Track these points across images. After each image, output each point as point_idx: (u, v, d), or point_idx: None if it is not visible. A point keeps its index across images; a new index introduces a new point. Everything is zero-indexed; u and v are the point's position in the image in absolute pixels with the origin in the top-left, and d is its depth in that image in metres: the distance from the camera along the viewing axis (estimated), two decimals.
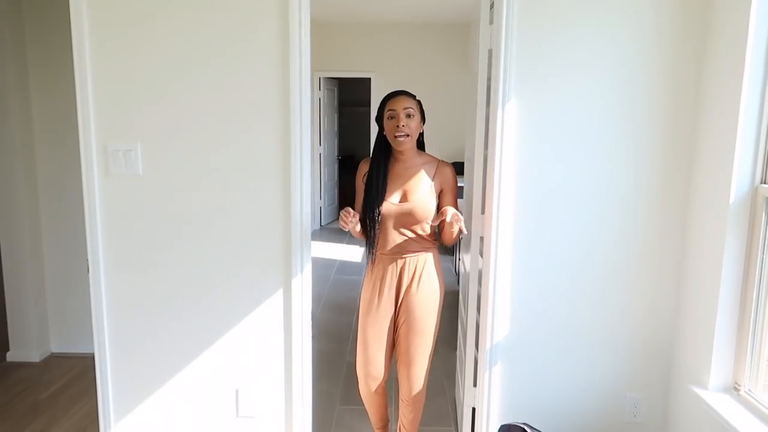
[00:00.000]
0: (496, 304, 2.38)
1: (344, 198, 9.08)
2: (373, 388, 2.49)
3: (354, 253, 6.99)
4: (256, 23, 2.21)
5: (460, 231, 2.26)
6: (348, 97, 9.78)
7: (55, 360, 3.82)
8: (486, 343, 2.40)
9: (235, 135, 2.28)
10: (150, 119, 2.27)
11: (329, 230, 8.31)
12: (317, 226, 8.37)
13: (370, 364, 2.45)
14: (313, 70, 7.84)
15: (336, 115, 8.92)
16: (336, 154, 9.01)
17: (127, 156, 2.28)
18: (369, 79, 8.00)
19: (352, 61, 7.97)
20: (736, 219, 2.05)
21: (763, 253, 2.02)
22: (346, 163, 9.75)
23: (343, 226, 2.23)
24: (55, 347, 3.91)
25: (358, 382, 2.55)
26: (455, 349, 3.85)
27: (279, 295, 2.37)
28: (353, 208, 2.34)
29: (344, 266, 6.36)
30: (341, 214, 2.22)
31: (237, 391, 2.44)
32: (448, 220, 2.18)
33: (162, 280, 2.37)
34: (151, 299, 2.38)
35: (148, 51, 2.23)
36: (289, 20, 2.19)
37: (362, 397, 2.59)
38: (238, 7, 2.20)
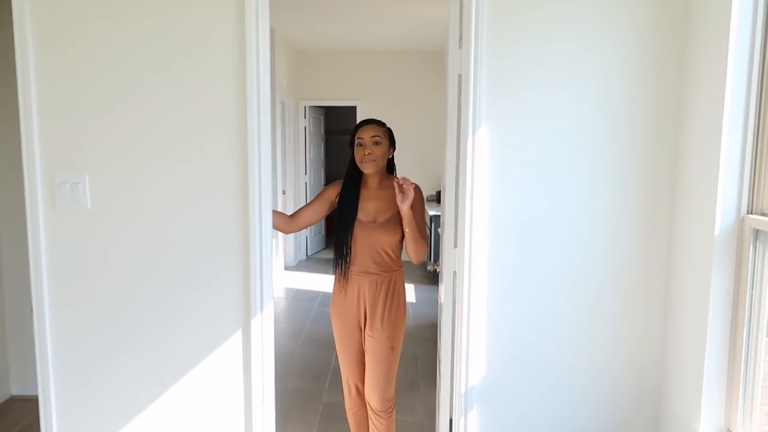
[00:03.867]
0: (471, 344, 2.22)
1: (331, 227, 8.93)
2: (353, 393, 2.62)
3: None
4: (209, 38, 2.09)
5: (429, 249, 2.27)
6: (334, 126, 9.71)
7: (14, 403, 3.61)
8: (461, 386, 2.23)
9: (190, 165, 2.14)
10: (99, 149, 2.14)
11: (316, 260, 8.13)
12: (303, 257, 8.20)
13: (350, 375, 2.59)
14: (298, 99, 7.77)
15: (322, 144, 8.82)
16: (322, 183, 8.88)
17: (75, 189, 2.14)
18: (355, 107, 7.93)
19: (337, 89, 7.90)
20: (722, 251, 1.91)
21: (752, 288, 1.88)
22: None
23: None
24: (16, 389, 3.71)
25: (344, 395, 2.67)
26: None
27: (237, 337, 2.20)
28: (304, 210, 2.55)
29: (327, 298, 6.14)
30: None
31: None
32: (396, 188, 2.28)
33: (110, 323, 2.20)
34: (99, 343, 2.21)
35: (97, 75, 2.10)
36: (245, 38, 2.06)
37: (347, 411, 2.68)
38: (190, 22, 2.08)
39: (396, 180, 2.30)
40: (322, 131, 8.79)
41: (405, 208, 2.30)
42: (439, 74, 7.70)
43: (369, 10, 5.66)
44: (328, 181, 9.26)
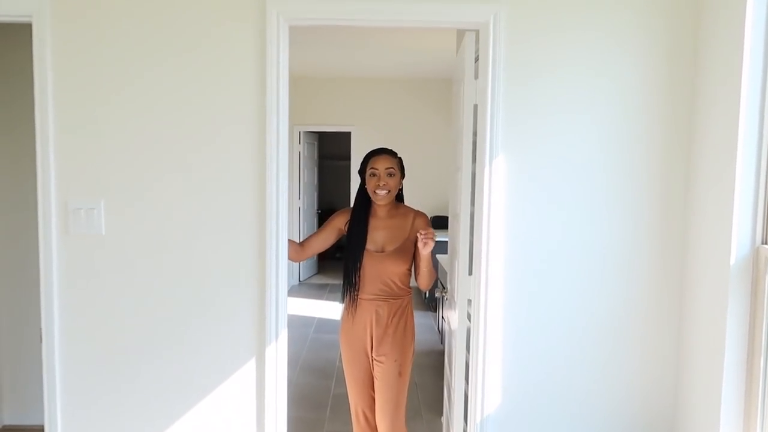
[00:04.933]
0: (486, 374, 2.22)
1: (323, 253, 8.88)
2: (362, 421, 2.58)
3: (334, 310, 6.76)
4: (230, 75, 2.11)
5: (438, 281, 2.21)
6: (328, 151, 9.75)
7: None
8: (476, 417, 2.22)
9: (206, 192, 2.14)
10: (115, 174, 2.13)
11: (308, 286, 8.07)
12: (296, 282, 8.14)
13: (359, 402, 2.57)
14: (293, 124, 7.79)
15: (316, 169, 8.84)
16: (315, 208, 8.88)
17: (89, 214, 2.12)
18: (349, 133, 7.98)
19: (332, 115, 7.96)
20: (737, 282, 1.94)
21: None
22: (325, 217, 9.59)
23: None
24: (8, 419, 3.60)
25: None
26: (440, 414, 3.63)
27: (251, 365, 2.18)
28: (314, 238, 2.59)
29: (323, 324, 6.12)
30: None
31: None
32: (420, 240, 2.28)
33: (121, 349, 2.17)
34: (109, 370, 2.17)
35: (116, 101, 2.11)
36: (266, 73, 2.10)
37: None
38: (211, 54, 2.11)
39: (420, 234, 2.30)
40: (316, 156, 8.81)
41: (426, 253, 2.34)
42: (434, 102, 7.80)
43: (367, 39, 5.73)
44: (321, 205, 9.27)
